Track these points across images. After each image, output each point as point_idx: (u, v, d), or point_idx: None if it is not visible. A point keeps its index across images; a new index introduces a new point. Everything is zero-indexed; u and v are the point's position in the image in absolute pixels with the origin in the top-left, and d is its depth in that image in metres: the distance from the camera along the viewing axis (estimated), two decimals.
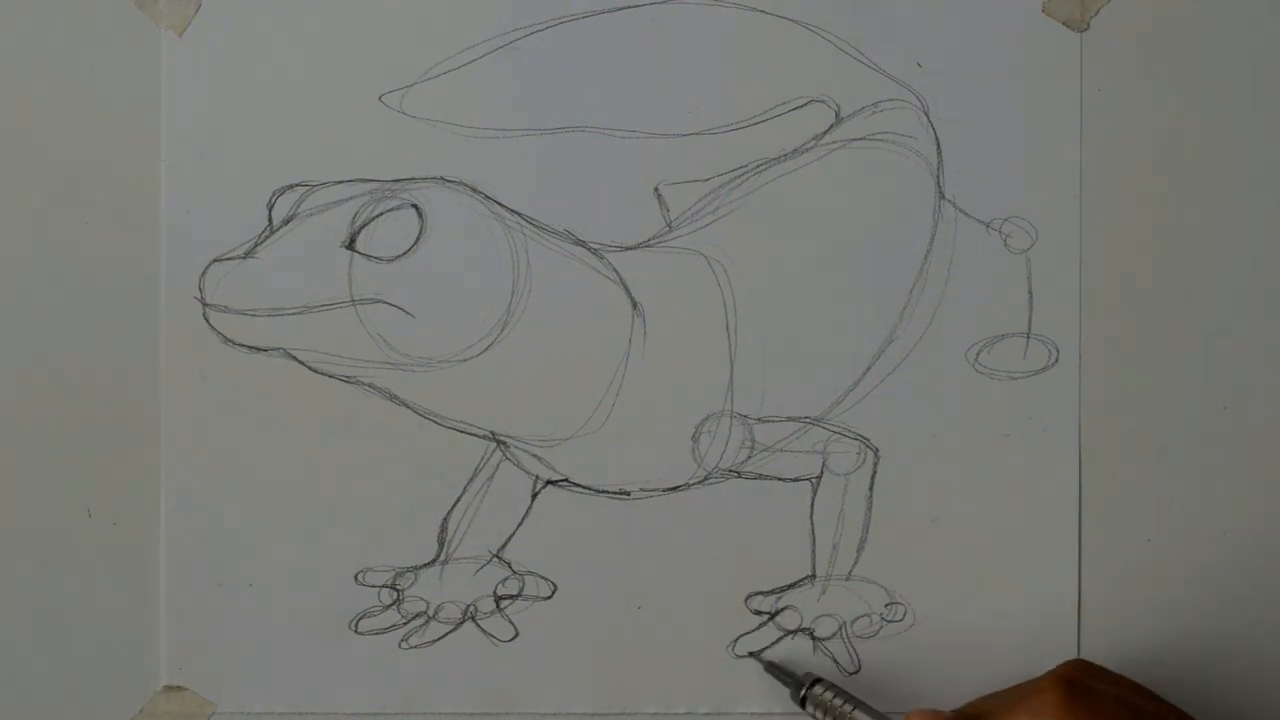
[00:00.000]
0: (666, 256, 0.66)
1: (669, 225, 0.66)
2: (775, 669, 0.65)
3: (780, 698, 0.66)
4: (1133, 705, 0.58)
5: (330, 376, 0.65)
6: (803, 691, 0.64)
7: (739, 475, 0.66)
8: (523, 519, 0.66)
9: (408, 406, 0.65)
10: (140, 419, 0.65)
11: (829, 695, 0.63)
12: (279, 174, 0.66)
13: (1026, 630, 0.66)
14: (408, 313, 0.65)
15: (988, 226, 0.66)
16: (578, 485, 0.66)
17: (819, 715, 0.63)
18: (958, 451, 0.66)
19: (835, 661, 0.66)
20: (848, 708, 0.62)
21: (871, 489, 0.66)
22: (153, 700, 0.66)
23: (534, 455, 0.66)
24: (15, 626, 0.66)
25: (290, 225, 0.65)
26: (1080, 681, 0.58)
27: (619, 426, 0.66)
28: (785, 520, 0.66)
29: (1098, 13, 0.66)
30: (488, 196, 0.66)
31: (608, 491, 0.66)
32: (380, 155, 0.66)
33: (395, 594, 0.66)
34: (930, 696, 0.66)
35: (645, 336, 0.66)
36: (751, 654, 0.66)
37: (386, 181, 0.66)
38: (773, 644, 0.66)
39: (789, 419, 0.66)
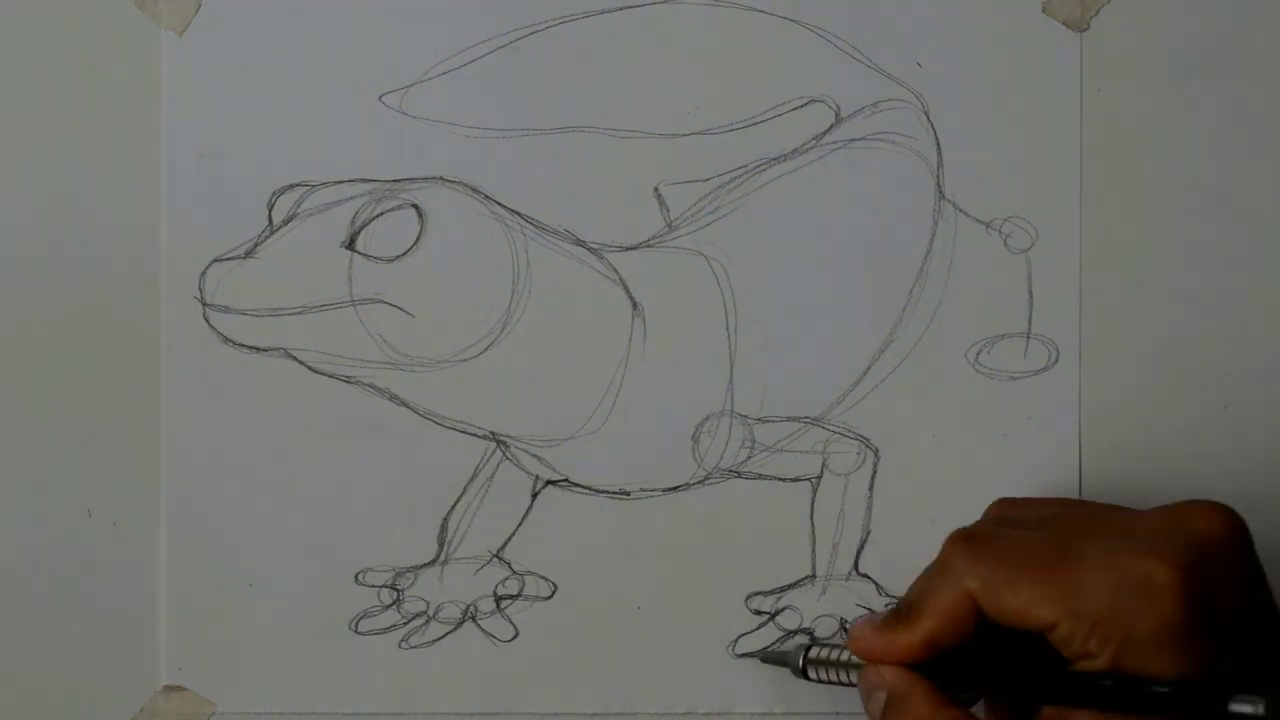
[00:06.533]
0: (666, 256, 0.66)
1: (669, 225, 0.66)
2: (772, 657, 0.64)
3: (780, 697, 0.66)
4: (1030, 534, 0.57)
5: (330, 376, 0.65)
6: (801, 662, 0.62)
7: (739, 475, 0.66)
8: (523, 519, 0.66)
9: (408, 406, 0.65)
10: (140, 419, 0.65)
11: (825, 652, 0.62)
12: (279, 174, 0.65)
13: None
14: (408, 313, 0.65)
15: (988, 226, 0.66)
16: (578, 485, 0.66)
17: (824, 674, 0.61)
18: (958, 451, 0.66)
19: None
20: (846, 654, 0.61)
21: (871, 489, 0.66)
22: (153, 700, 0.66)
23: (534, 455, 0.66)
24: (15, 626, 0.65)
25: (290, 225, 0.65)
26: (981, 530, 0.58)
27: (619, 426, 0.66)
28: (785, 520, 0.66)
29: (1098, 13, 0.66)
30: (488, 196, 0.66)
31: (608, 491, 0.66)
32: (380, 155, 0.66)
33: (395, 594, 0.66)
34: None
35: (645, 336, 0.66)
36: (745, 655, 0.65)
37: (386, 181, 0.66)
38: (773, 644, 0.66)
39: (789, 419, 0.66)
